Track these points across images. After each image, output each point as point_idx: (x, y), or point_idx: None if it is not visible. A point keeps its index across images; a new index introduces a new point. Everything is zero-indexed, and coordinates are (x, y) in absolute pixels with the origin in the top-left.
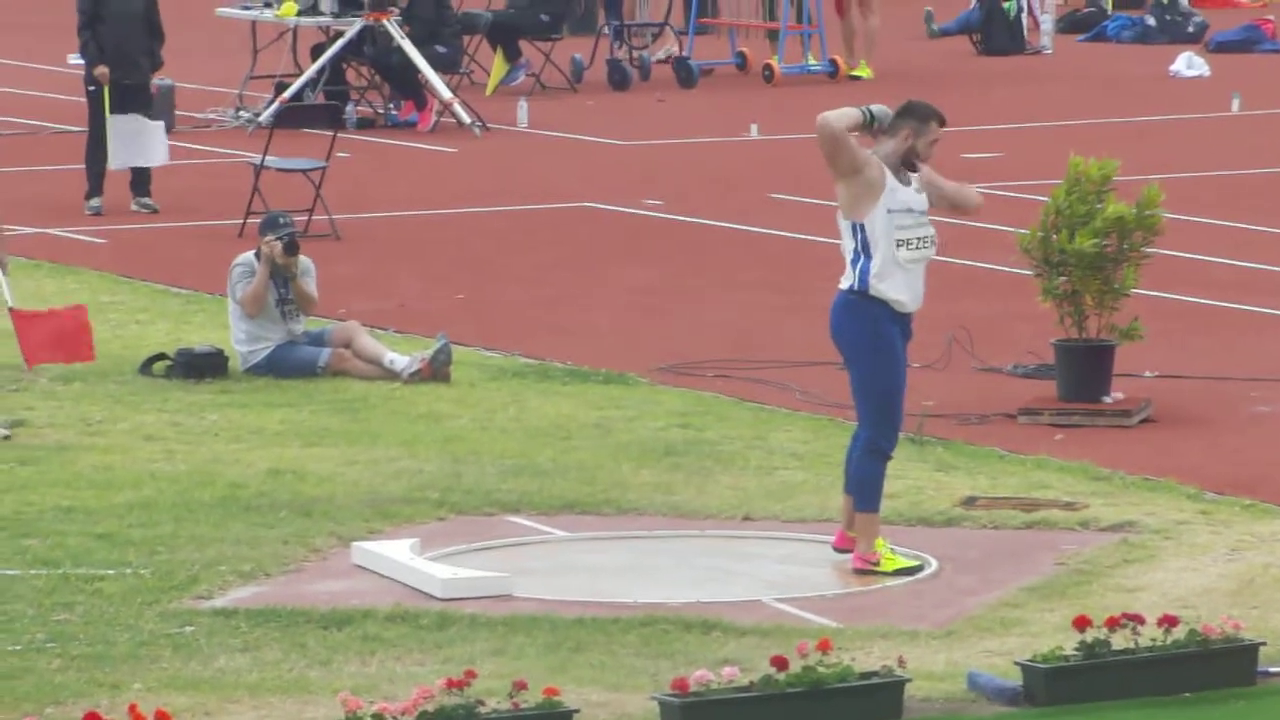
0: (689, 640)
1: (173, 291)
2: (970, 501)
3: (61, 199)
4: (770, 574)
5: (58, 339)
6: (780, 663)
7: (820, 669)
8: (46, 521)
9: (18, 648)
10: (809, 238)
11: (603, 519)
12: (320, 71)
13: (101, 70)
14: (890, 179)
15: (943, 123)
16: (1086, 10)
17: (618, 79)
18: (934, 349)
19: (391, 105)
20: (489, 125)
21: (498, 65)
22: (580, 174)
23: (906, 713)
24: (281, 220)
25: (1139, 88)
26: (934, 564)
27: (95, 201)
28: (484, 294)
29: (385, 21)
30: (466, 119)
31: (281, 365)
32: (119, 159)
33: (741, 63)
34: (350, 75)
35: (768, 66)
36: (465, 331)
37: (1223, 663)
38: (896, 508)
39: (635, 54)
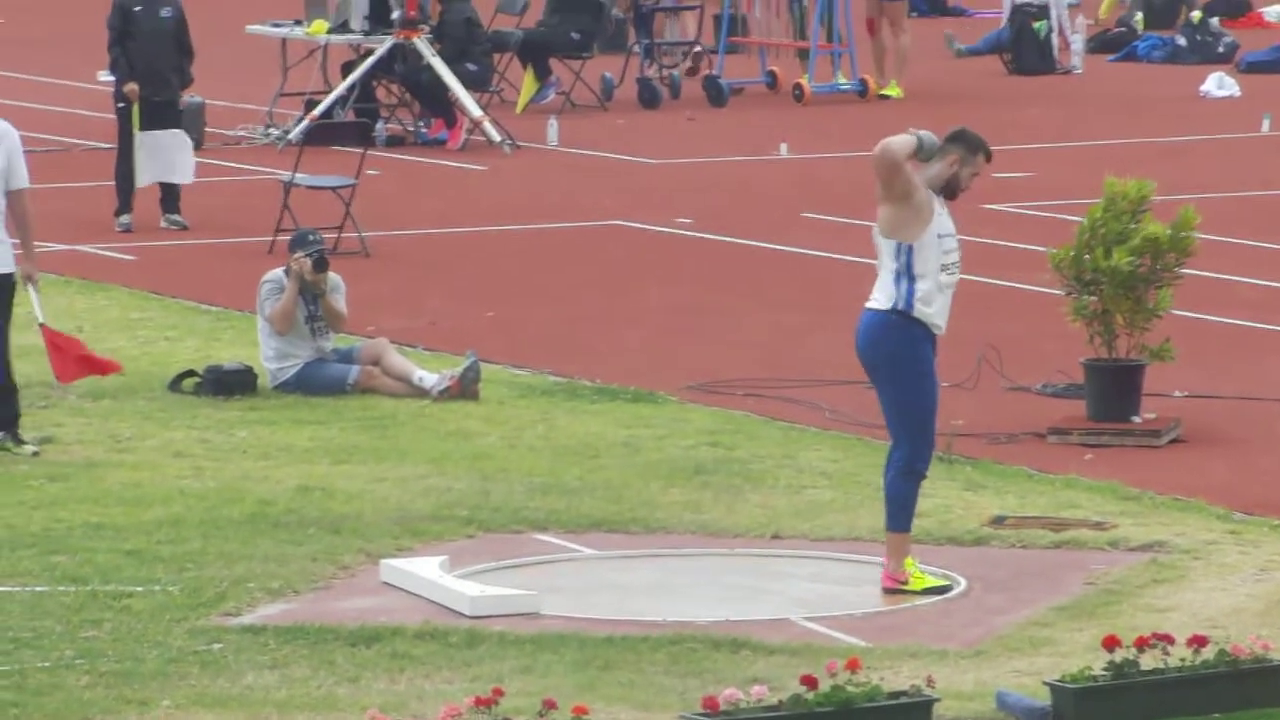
0: (718, 659)
1: (202, 308)
2: (999, 521)
3: (91, 215)
4: (799, 592)
5: (89, 355)
6: (809, 682)
7: (849, 688)
8: (75, 538)
9: (46, 664)
10: (839, 256)
11: (631, 537)
12: (350, 89)
13: (131, 87)
14: (936, 204)
15: (989, 158)
16: (1117, 30)
17: (648, 97)
18: (964, 368)
19: (421, 123)
20: (519, 143)
21: (528, 83)
22: (610, 192)
23: None
24: (311, 237)
25: (1169, 108)
26: (963, 583)
27: (125, 218)
28: (513, 312)
29: (415, 39)
30: (496, 137)
31: (310, 382)
32: (147, 176)
33: (772, 82)
34: (380, 93)
35: (798, 85)
36: (494, 349)
37: (1252, 683)
38: (925, 526)
39: (665, 72)
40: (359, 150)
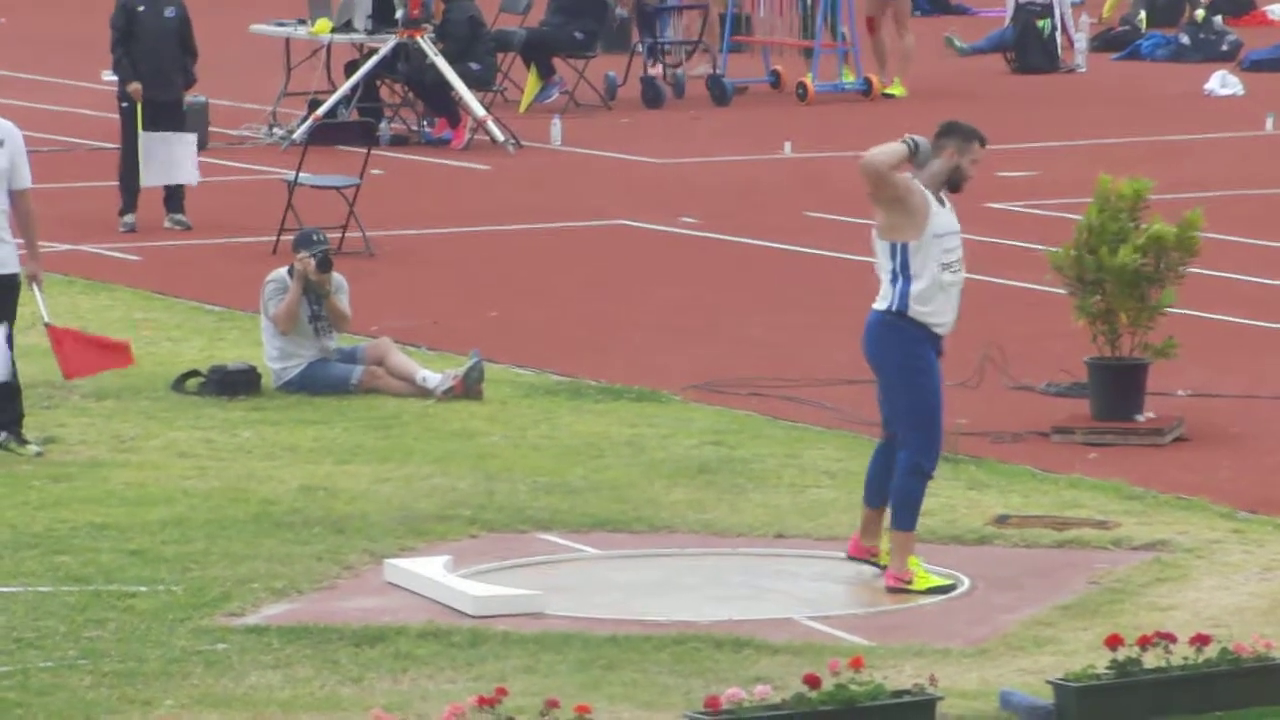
0: (721, 658)
1: (206, 308)
2: (1003, 520)
3: (95, 215)
4: (803, 592)
5: (97, 350)
6: (812, 681)
7: (852, 687)
8: (79, 538)
9: (49, 664)
10: (843, 256)
11: (635, 537)
12: (354, 88)
13: (134, 87)
14: (933, 203)
15: (984, 143)
16: (1120, 29)
17: (651, 96)
18: (967, 367)
19: (425, 122)
20: (523, 142)
21: (531, 82)
22: (614, 191)
23: None
24: (315, 237)
25: (1173, 106)
26: (966, 582)
27: (129, 218)
28: (517, 311)
29: (419, 39)
30: (500, 136)
31: (314, 382)
32: (151, 176)
33: (775, 80)
34: (384, 92)
35: (801, 84)
36: (498, 349)
37: (1255, 681)
38: (929, 525)
39: (669, 72)
40: (363, 150)
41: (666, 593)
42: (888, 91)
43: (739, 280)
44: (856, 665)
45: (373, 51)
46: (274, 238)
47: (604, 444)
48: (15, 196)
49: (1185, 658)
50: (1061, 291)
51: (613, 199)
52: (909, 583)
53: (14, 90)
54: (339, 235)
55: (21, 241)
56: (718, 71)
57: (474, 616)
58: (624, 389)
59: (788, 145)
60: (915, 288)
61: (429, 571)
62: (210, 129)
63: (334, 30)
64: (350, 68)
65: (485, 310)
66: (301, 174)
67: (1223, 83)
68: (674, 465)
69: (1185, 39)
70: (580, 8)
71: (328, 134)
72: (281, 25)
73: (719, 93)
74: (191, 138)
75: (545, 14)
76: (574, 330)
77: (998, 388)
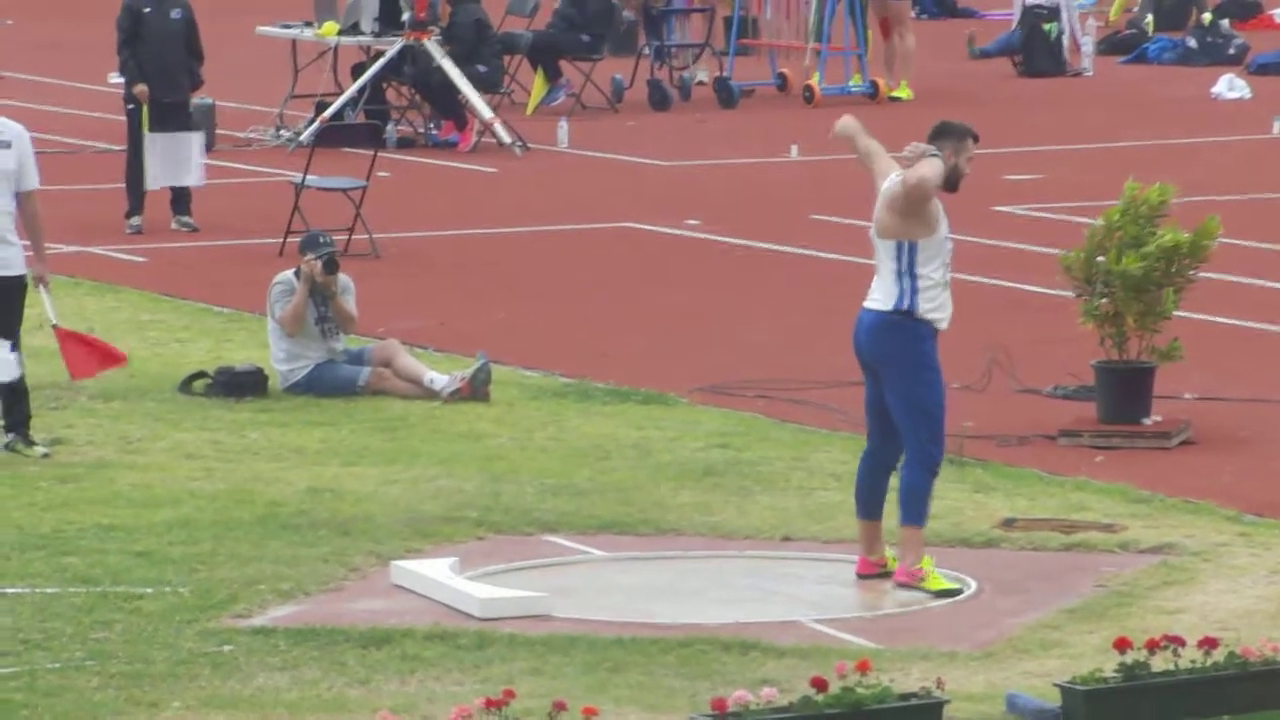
0: (727, 661)
1: (213, 310)
2: (1009, 523)
3: (102, 217)
4: (809, 594)
5: (101, 352)
6: (819, 683)
7: (859, 690)
8: (86, 540)
9: (56, 665)
10: (849, 258)
11: (641, 539)
12: (361, 91)
13: (141, 89)
14: (940, 206)
15: (976, 139)
16: (1127, 32)
17: (658, 99)
18: (974, 370)
19: (432, 125)
20: (529, 145)
21: (538, 85)
22: (620, 194)
23: None
24: (322, 239)
25: (1180, 110)
26: (973, 585)
27: (136, 220)
28: (523, 313)
29: (426, 41)
30: (507, 139)
31: (321, 384)
32: (157, 178)
33: (782, 83)
34: (391, 95)
35: (808, 87)
36: (505, 351)
37: (1262, 685)
38: (936, 528)
39: (676, 74)
40: (369, 152)
41: (673, 595)
42: (894, 95)
43: (745, 283)
44: (863, 668)
45: (379, 54)
46: (281, 240)
47: (611, 446)
48: (22, 198)
49: (1193, 661)
50: (1069, 294)
51: (619, 201)
52: (922, 580)
53: (21, 92)
54: (346, 237)
55: (28, 243)
56: (724, 74)
57: (481, 618)
58: (631, 391)
59: (794, 148)
60: (924, 286)
61: (435, 573)
62: (217, 131)
63: (341, 32)
64: (357, 70)
65: (492, 312)
66: (308, 176)
67: (1230, 86)
68: (681, 467)
69: (1192, 42)
70: (586, 11)
71: (334, 136)
72: (288, 27)
73: (726, 95)
74: (197, 138)
75: (552, 17)
76: (581, 332)
77: (1004, 391)
